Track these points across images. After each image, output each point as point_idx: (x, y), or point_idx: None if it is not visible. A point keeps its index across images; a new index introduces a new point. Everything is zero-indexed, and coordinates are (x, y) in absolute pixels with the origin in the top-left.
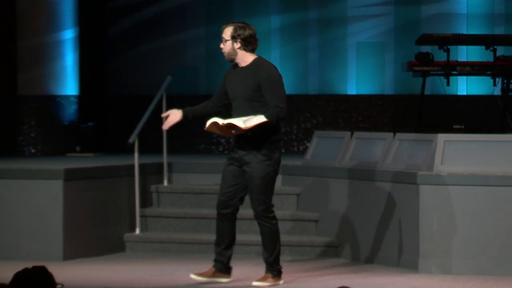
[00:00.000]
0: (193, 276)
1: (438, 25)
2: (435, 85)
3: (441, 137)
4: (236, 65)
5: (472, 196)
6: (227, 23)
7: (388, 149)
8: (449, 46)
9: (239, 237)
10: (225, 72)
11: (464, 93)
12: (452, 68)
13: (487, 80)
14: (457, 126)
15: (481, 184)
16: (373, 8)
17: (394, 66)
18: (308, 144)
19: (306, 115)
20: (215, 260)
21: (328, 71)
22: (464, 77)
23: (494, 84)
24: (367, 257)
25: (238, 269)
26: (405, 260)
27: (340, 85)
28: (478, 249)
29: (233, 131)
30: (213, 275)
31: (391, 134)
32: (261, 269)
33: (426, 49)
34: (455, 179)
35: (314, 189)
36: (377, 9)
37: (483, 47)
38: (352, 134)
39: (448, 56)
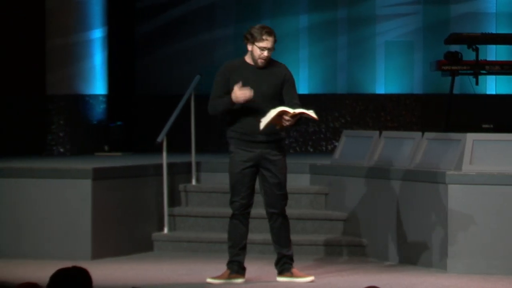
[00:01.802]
0: (209, 280)
1: (467, 24)
2: (464, 84)
3: (470, 137)
4: (241, 63)
5: (500, 195)
6: (268, 31)
7: (417, 149)
8: (478, 45)
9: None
10: (224, 70)
11: (493, 92)
12: (481, 67)
13: None
14: (486, 126)
15: (510, 184)
16: (402, 7)
17: (422, 65)
18: (336, 144)
19: (334, 114)
20: (231, 262)
21: (357, 70)
22: (493, 76)
23: None
24: (395, 257)
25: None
26: (434, 259)
27: (369, 84)
28: (508, 249)
29: (287, 123)
30: (229, 276)
31: (420, 133)
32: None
33: (455, 48)
34: (483, 178)
35: (342, 189)
36: (406, 8)
37: None
38: (380, 133)
39: (477, 55)
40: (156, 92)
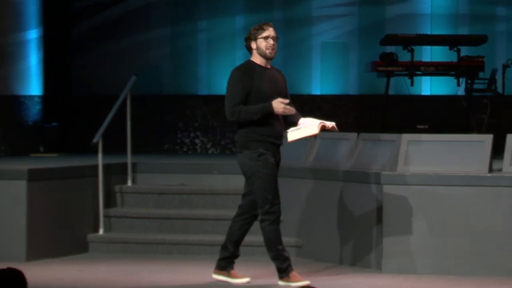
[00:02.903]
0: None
1: (403, 26)
2: (399, 85)
3: (405, 137)
4: (253, 66)
5: (435, 196)
6: (266, 22)
7: (352, 149)
8: (413, 47)
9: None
10: (243, 75)
11: (428, 93)
12: (416, 68)
13: (451, 80)
14: (421, 126)
15: (444, 184)
16: (338, 8)
17: (358, 66)
18: None
19: None
20: (290, 265)
21: (293, 71)
22: (428, 77)
23: (458, 84)
24: (331, 257)
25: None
26: (369, 260)
27: (305, 85)
28: (441, 249)
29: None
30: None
31: (355, 134)
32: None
33: (390, 49)
34: (418, 179)
35: (279, 190)
36: (342, 9)
37: (447, 47)
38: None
39: (412, 56)
40: (92, 92)
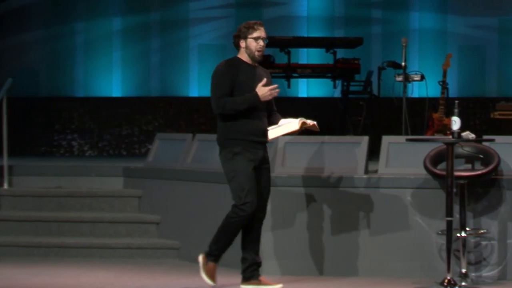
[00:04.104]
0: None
1: (279, 28)
2: None
3: (282, 139)
4: (239, 61)
5: (311, 197)
6: (257, 22)
7: None
8: (290, 49)
9: None
10: (227, 69)
11: (305, 95)
12: (293, 71)
13: (327, 82)
14: None
15: (320, 186)
16: (215, 10)
17: None
18: (150, 147)
19: (148, 117)
20: (217, 256)
21: (170, 73)
22: (305, 80)
23: (334, 86)
24: None
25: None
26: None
27: (182, 87)
28: (318, 250)
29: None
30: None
31: None
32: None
33: (268, 52)
34: (295, 180)
35: (156, 191)
36: (219, 11)
37: (324, 49)
38: (194, 136)
39: (289, 58)
40: None
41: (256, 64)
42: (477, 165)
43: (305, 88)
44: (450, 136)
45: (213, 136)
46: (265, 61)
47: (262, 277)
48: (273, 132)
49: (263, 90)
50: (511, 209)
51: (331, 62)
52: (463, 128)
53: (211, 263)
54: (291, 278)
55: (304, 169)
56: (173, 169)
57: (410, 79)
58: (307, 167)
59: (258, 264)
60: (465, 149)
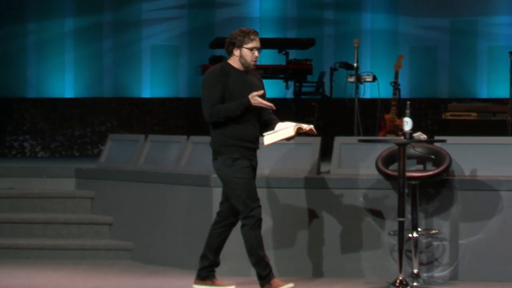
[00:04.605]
0: None
1: (232, 29)
2: None
3: None
4: (229, 68)
5: (269, 197)
6: (253, 31)
7: (183, 152)
8: None
9: None
10: (218, 76)
11: None
12: None
13: (280, 83)
14: None
15: (275, 186)
16: (167, 11)
17: (188, 69)
18: (102, 148)
19: (100, 118)
20: (271, 272)
21: (123, 74)
22: None
23: (287, 87)
24: (161, 260)
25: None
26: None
27: (135, 88)
28: (272, 250)
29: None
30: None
31: (185, 137)
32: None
33: (220, 53)
34: None
35: (109, 192)
36: (171, 12)
37: (276, 50)
38: (146, 137)
39: None
40: None
41: (247, 70)
42: (429, 165)
43: None
44: (402, 137)
45: (166, 137)
46: (218, 62)
47: (216, 278)
48: (269, 138)
49: (252, 96)
50: (462, 209)
51: (283, 63)
52: (414, 129)
53: (272, 279)
54: (244, 279)
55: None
56: (126, 170)
57: (362, 80)
58: (259, 169)
59: (217, 265)
60: (417, 150)
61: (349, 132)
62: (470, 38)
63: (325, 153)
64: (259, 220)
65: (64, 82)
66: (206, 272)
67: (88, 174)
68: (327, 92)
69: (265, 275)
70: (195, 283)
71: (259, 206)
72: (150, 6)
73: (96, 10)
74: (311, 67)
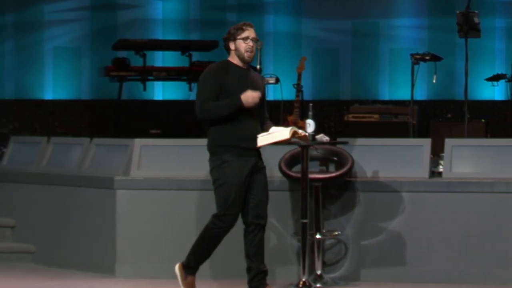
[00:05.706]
0: None
1: (135, 31)
2: (132, 90)
3: (138, 142)
4: (228, 65)
5: (168, 200)
6: (246, 22)
7: (85, 154)
8: (145, 52)
9: None
10: (215, 73)
11: (161, 98)
12: (148, 73)
13: (183, 85)
14: (154, 131)
15: (176, 188)
16: (69, 13)
17: (91, 71)
18: (4, 150)
19: (2, 120)
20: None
21: (25, 76)
22: (161, 82)
23: (190, 89)
24: (64, 263)
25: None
26: (103, 265)
27: (37, 90)
28: (174, 253)
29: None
30: None
31: (88, 139)
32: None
33: (123, 54)
34: (151, 183)
35: (11, 195)
36: (73, 14)
37: (179, 52)
38: (49, 139)
39: (144, 61)
40: None
41: (247, 67)
42: (332, 167)
43: (160, 91)
44: None
45: (69, 139)
46: (120, 64)
47: (269, 286)
48: (263, 139)
49: (246, 96)
50: (365, 210)
51: (186, 65)
52: (317, 130)
53: (190, 276)
54: (147, 281)
55: (161, 172)
56: (28, 172)
57: (265, 82)
58: (163, 170)
59: (264, 273)
60: (319, 152)
61: None
62: (372, 40)
63: None
64: (227, 228)
65: None
66: (256, 282)
67: None
68: None
69: (191, 266)
70: None
71: (233, 215)
72: (51, 8)
73: None
74: None
